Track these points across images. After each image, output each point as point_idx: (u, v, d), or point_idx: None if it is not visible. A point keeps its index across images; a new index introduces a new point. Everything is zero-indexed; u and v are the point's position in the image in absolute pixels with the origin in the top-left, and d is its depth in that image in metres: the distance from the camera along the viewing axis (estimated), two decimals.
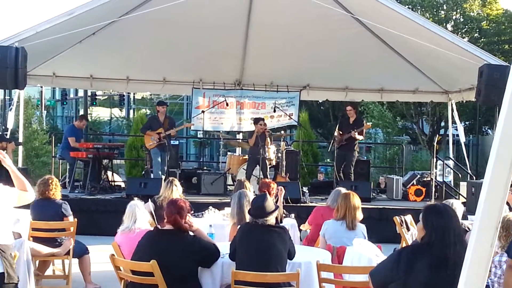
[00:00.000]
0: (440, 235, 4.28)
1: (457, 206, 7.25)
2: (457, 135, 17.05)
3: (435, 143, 15.53)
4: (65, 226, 8.34)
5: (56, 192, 8.47)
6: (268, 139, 14.56)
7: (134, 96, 48.07)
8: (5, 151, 8.77)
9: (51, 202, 8.41)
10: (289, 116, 16.87)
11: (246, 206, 7.17)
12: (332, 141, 15.26)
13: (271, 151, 14.56)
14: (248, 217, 6.76)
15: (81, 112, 32.37)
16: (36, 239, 8.13)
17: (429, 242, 4.32)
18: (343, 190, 8.69)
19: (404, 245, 8.53)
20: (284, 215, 9.06)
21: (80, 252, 8.53)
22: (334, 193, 8.88)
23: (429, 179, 15.16)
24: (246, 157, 15.80)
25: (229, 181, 15.37)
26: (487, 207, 2.35)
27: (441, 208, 4.52)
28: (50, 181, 8.47)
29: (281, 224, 7.45)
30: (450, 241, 4.23)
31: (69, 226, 8.34)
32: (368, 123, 16.42)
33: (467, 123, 29.35)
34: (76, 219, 8.43)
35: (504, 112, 2.35)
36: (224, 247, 6.31)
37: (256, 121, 14.81)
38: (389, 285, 4.35)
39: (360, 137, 15.10)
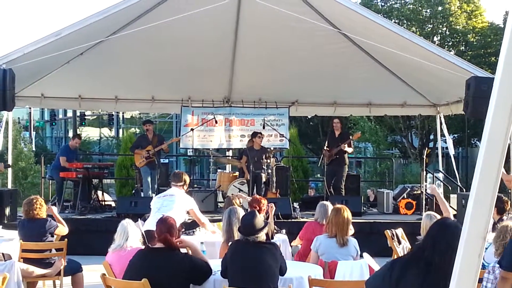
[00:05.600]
0: (430, 244, 4.32)
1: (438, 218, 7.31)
2: (446, 148, 17.09)
3: (424, 156, 15.52)
4: (55, 246, 8.32)
5: (41, 211, 8.45)
6: (270, 156, 14.68)
7: (123, 116, 47.97)
8: None
9: (36, 221, 8.39)
10: (280, 135, 16.79)
11: (235, 223, 7.17)
12: (321, 156, 15.32)
13: (263, 166, 14.58)
14: (237, 235, 6.77)
15: (71, 133, 32.38)
16: (26, 260, 8.09)
17: (422, 250, 4.37)
18: (329, 204, 8.74)
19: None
20: (275, 231, 9.06)
21: (73, 270, 8.50)
22: (320, 207, 8.92)
23: (419, 192, 15.18)
24: (237, 174, 15.82)
25: (220, 198, 15.37)
26: (474, 218, 2.37)
27: (443, 221, 4.58)
28: (35, 201, 8.47)
29: (272, 240, 7.45)
30: (438, 251, 4.26)
31: (59, 246, 8.32)
32: (357, 132, 16.44)
33: (455, 135, 29.40)
34: (66, 239, 8.41)
35: (488, 123, 2.37)
36: (215, 264, 6.31)
37: (254, 135, 14.89)
38: None
39: (350, 150, 15.15)
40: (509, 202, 9.93)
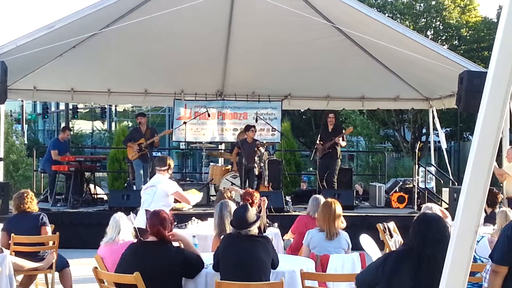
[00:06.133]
0: (417, 240, 4.42)
1: (436, 209, 7.38)
2: (439, 142, 17.12)
3: (417, 150, 15.54)
4: (47, 239, 8.29)
5: (32, 205, 8.41)
6: (260, 147, 14.67)
7: (116, 109, 47.91)
8: None
9: (27, 215, 8.34)
10: (272, 129, 16.80)
11: (226, 216, 7.18)
12: (314, 150, 15.33)
13: (255, 160, 14.57)
14: (229, 228, 6.78)
15: (63, 126, 32.20)
16: (18, 254, 8.06)
17: (411, 247, 4.44)
18: (321, 197, 8.74)
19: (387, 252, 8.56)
20: (267, 224, 9.06)
21: (61, 266, 8.48)
22: (312, 201, 8.92)
23: (411, 185, 15.21)
24: (229, 167, 15.81)
25: (212, 192, 15.34)
26: (466, 211, 2.38)
27: (424, 215, 4.67)
28: (25, 194, 8.42)
29: (264, 234, 7.46)
30: (426, 245, 4.35)
31: (51, 239, 8.29)
32: (349, 127, 16.47)
33: (448, 129, 29.47)
34: (58, 233, 8.38)
35: (481, 118, 2.38)
36: (207, 258, 6.31)
37: (248, 128, 14.87)
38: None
39: (343, 143, 15.17)
40: (500, 195, 10.01)
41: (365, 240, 8.33)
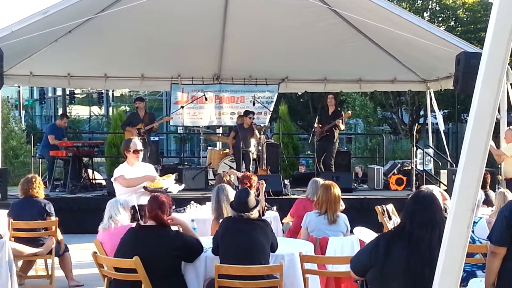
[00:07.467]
0: (408, 219, 4.40)
1: (436, 191, 7.36)
2: (437, 124, 17.13)
3: (414, 132, 15.58)
4: (46, 225, 8.31)
5: (40, 190, 8.44)
6: (257, 132, 14.65)
7: (113, 94, 47.79)
8: None
9: (34, 201, 8.37)
10: (269, 112, 16.84)
11: (223, 200, 7.18)
12: (312, 133, 15.34)
13: (252, 144, 14.57)
14: (226, 212, 6.79)
15: (60, 111, 32.19)
16: (17, 239, 8.08)
17: (402, 226, 4.44)
18: (320, 180, 8.70)
19: None
20: (266, 208, 9.06)
21: (60, 251, 8.50)
22: (312, 184, 8.89)
23: (409, 168, 15.23)
24: (227, 151, 15.81)
25: (210, 176, 15.36)
26: (462, 191, 2.38)
27: (417, 194, 4.65)
28: (34, 179, 8.45)
29: (263, 217, 7.46)
30: (416, 224, 4.34)
31: (50, 225, 8.31)
32: (348, 112, 16.48)
33: (446, 111, 29.45)
34: (57, 218, 8.40)
35: (476, 98, 2.38)
36: (207, 242, 6.32)
37: (246, 113, 14.86)
38: (368, 271, 4.43)
39: (342, 126, 15.16)
40: (490, 176, 10.04)
41: (360, 231, 8.32)
